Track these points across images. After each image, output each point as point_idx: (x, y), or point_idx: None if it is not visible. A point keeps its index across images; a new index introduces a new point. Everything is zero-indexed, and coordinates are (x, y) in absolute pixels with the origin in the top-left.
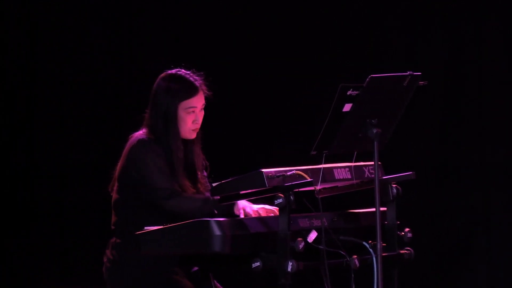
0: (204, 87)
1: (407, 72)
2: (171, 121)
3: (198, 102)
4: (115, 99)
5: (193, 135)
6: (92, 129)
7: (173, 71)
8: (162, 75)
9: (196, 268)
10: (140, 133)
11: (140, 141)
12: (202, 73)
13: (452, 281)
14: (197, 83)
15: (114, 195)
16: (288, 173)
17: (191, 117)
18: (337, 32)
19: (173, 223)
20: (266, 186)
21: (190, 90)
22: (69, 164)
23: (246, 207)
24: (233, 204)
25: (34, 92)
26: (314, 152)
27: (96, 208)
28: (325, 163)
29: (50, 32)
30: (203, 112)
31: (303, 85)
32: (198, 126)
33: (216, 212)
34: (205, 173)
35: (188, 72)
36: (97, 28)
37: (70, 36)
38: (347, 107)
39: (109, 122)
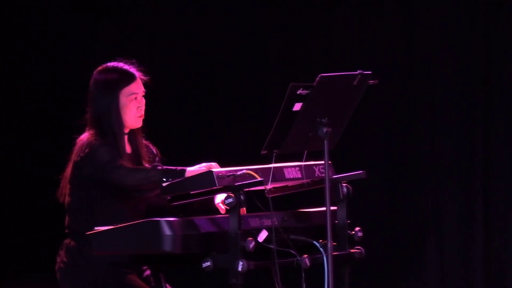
0: (140, 73)
1: (357, 71)
2: (115, 111)
3: (138, 88)
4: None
5: (139, 123)
6: (46, 129)
7: (107, 64)
8: (97, 69)
9: (148, 272)
10: (87, 136)
11: (91, 141)
12: (134, 60)
13: (403, 279)
14: (132, 70)
15: (67, 198)
16: (238, 173)
17: (135, 103)
18: (287, 29)
19: (126, 223)
20: (216, 186)
21: (127, 77)
22: (22, 164)
23: None
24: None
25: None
26: (265, 152)
27: (50, 207)
28: (275, 162)
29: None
30: (144, 100)
31: (253, 83)
32: (143, 112)
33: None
34: (157, 160)
35: (121, 62)
36: (59, 34)
37: (29, 40)
38: (297, 106)
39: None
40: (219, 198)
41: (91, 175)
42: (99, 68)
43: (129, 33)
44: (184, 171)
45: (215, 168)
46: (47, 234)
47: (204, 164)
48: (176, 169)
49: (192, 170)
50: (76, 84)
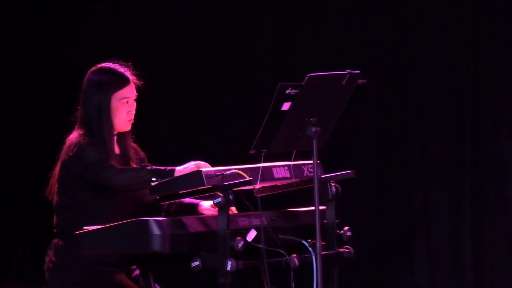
0: (134, 77)
1: (346, 71)
2: (105, 113)
3: (130, 92)
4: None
5: (128, 126)
6: (30, 130)
7: (102, 64)
8: (92, 69)
9: (137, 272)
10: (76, 135)
11: (79, 140)
12: (129, 63)
13: (393, 279)
14: (127, 74)
15: (55, 198)
16: (227, 172)
17: (125, 107)
18: (276, 28)
19: (114, 223)
20: (205, 185)
21: (121, 81)
22: (8, 165)
23: None
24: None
25: None
26: (253, 151)
27: (38, 208)
28: (264, 162)
29: None
30: (135, 103)
31: (242, 83)
32: (133, 116)
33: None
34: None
35: (117, 64)
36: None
37: (29, 40)
38: (286, 106)
39: (49, 124)
40: (205, 205)
41: (80, 174)
42: (93, 68)
43: (129, 33)
44: (173, 171)
45: (204, 166)
46: (47, 233)
47: (192, 163)
48: (165, 169)
49: (181, 170)
50: (76, 84)
